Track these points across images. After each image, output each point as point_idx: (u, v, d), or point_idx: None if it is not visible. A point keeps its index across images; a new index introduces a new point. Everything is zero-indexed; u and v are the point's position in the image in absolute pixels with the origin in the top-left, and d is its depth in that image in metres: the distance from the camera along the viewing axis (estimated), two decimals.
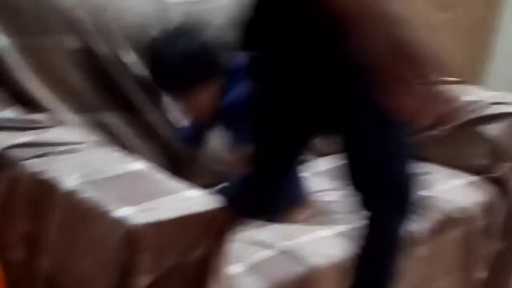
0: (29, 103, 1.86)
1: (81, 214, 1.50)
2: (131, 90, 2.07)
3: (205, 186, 1.77)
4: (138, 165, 1.66)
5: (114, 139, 2.02)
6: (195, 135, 2.16)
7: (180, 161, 2.19)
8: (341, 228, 1.98)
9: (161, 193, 1.53)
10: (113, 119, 2.05)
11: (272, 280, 1.72)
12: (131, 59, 2.06)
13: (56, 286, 1.57)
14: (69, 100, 1.94)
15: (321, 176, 2.26)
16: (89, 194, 1.50)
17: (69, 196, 1.52)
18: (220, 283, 1.58)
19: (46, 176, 1.59)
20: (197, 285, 1.56)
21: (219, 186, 2.06)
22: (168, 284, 1.50)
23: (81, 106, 1.97)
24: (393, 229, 1.64)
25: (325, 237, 1.93)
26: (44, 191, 1.58)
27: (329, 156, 2.54)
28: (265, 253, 1.80)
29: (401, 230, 1.65)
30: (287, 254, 1.81)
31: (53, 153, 1.68)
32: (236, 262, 1.70)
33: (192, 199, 1.53)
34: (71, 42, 1.94)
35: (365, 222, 1.65)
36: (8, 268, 1.57)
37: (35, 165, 1.63)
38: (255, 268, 1.74)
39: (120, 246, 1.42)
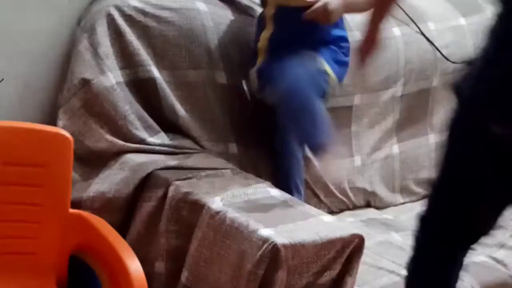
0: (175, 130, 1.99)
1: (225, 232, 1.63)
2: (267, 127, 2.09)
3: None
4: (275, 191, 1.80)
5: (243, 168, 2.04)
6: None
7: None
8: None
9: (298, 217, 1.66)
10: (244, 151, 2.09)
11: None
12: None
13: None
14: (210, 130, 2.03)
15: None
16: (233, 215, 1.63)
17: (214, 216, 1.66)
18: None
19: (193, 197, 1.73)
20: None
21: None
22: None
23: (219, 136, 2.05)
24: None
25: None
26: (190, 211, 1.72)
27: None
28: (388, 279, 1.88)
29: None
30: None
31: (198, 177, 1.81)
32: (361, 286, 1.78)
33: (327, 224, 1.65)
34: (217, 77, 2.04)
35: None
36: (150, 279, 1.67)
37: (181, 186, 1.76)
38: None
39: (261, 262, 1.54)
